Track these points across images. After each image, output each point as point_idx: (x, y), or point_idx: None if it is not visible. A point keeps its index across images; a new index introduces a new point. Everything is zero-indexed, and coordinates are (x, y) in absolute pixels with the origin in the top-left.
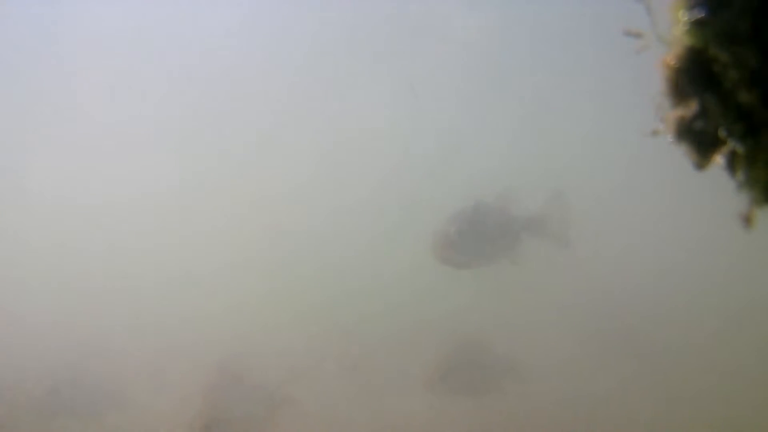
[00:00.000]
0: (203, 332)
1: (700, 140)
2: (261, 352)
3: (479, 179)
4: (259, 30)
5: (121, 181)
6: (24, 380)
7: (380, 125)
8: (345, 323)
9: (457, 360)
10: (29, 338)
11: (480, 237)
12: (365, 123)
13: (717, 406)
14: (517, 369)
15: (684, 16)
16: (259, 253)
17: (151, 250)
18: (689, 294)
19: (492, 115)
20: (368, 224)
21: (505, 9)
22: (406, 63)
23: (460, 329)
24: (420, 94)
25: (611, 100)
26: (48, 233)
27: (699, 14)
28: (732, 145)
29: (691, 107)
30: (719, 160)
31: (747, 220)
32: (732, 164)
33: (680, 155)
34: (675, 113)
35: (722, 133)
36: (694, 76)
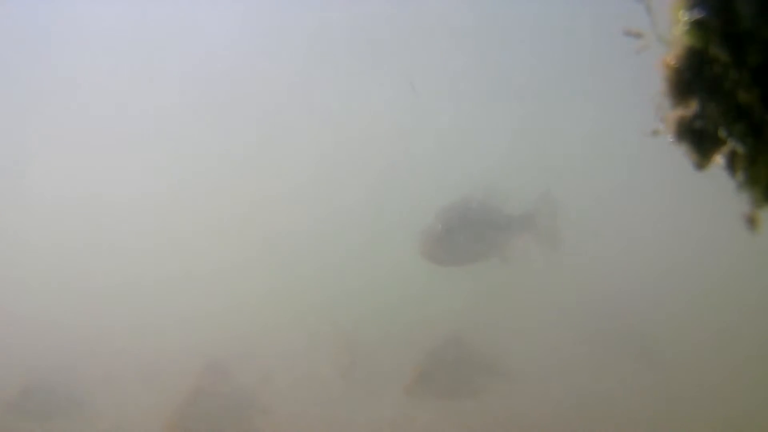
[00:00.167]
0: (185, 335)
1: (700, 140)
2: (247, 354)
3: (477, 177)
4: (257, 28)
5: (112, 180)
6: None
7: (378, 123)
8: (336, 324)
9: (445, 361)
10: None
11: (468, 234)
12: (363, 121)
13: (715, 406)
14: (508, 370)
15: (684, 16)
16: (250, 253)
17: (134, 250)
18: (688, 293)
19: (492, 114)
20: (365, 223)
21: (505, 8)
22: (405, 61)
23: (451, 329)
24: (420, 90)
25: (611, 100)
26: (30, 233)
27: (699, 14)
28: (732, 145)
29: (691, 107)
30: (719, 160)
31: (751, 222)
32: (732, 164)
33: (680, 155)
34: (675, 113)
35: (722, 133)
36: (694, 76)
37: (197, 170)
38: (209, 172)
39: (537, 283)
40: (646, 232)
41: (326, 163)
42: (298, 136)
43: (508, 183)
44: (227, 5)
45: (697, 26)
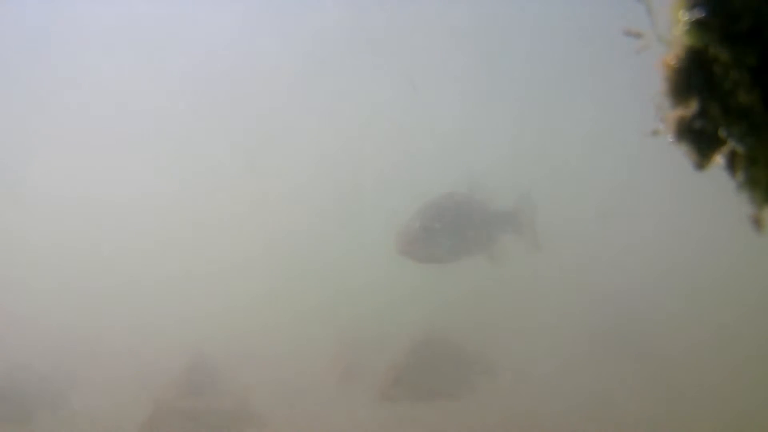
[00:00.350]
0: (171, 336)
1: (700, 140)
2: (236, 356)
3: (471, 175)
4: (257, 27)
5: (109, 180)
6: None
7: (377, 123)
8: (330, 326)
9: (426, 361)
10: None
11: (447, 231)
12: (362, 120)
13: (715, 407)
14: (497, 370)
15: (684, 16)
16: (245, 255)
17: (125, 249)
18: (687, 294)
19: (492, 114)
20: (364, 223)
21: (505, 8)
22: (404, 60)
23: (439, 328)
24: (419, 87)
25: (611, 100)
26: (25, 232)
27: (699, 14)
28: (732, 145)
29: (691, 107)
30: (719, 160)
31: (756, 222)
32: (732, 164)
33: (680, 155)
34: (675, 113)
35: (722, 133)
36: (694, 76)
37: (196, 170)
38: (209, 173)
39: (534, 282)
40: (645, 231)
41: (324, 163)
42: (297, 136)
43: (508, 183)
44: (227, 5)
45: (697, 26)
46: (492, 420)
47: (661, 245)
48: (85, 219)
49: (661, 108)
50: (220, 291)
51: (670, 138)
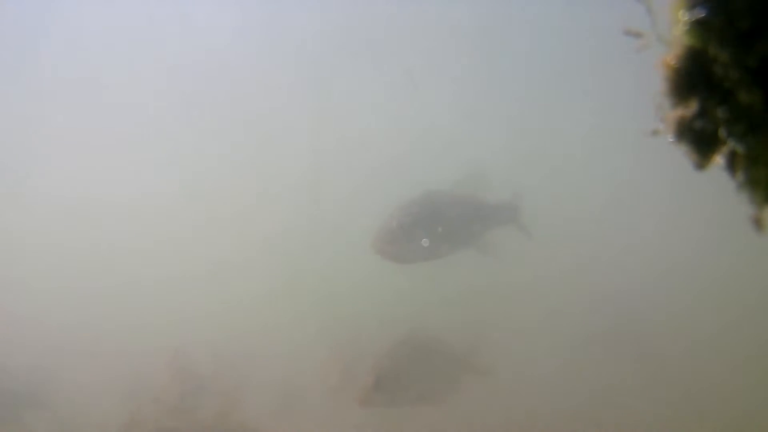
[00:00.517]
0: (157, 337)
1: (700, 140)
2: (224, 360)
3: (462, 173)
4: (256, 27)
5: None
6: None
7: (375, 122)
8: (315, 328)
9: (408, 364)
10: None
11: (425, 230)
12: (360, 120)
13: (714, 407)
14: (486, 370)
15: (684, 16)
16: (240, 256)
17: (116, 249)
18: (687, 294)
19: (491, 114)
20: (361, 223)
21: (504, 7)
22: (402, 59)
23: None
24: (418, 83)
25: (611, 100)
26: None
27: (699, 14)
28: (732, 145)
29: (691, 107)
30: (719, 160)
31: (757, 223)
32: (732, 164)
33: (680, 155)
34: (675, 113)
35: (722, 133)
36: (694, 76)
37: (193, 171)
38: (206, 173)
39: (529, 280)
40: (645, 231)
41: (322, 163)
42: (296, 135)
43: (504, 180)
44: (226, 5)
45: (697, 26)
46: (481, 422)
47: (661, 245)
48: (80, 219)
49: (661, 108)
50: (210, 292)
51: (670, 138)
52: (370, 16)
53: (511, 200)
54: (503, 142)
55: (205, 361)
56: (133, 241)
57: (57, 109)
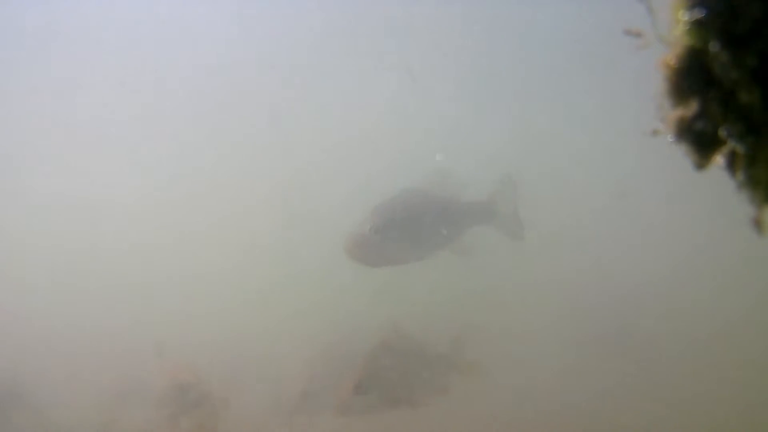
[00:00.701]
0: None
1: (700, 140)
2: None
3: (443, 171)
4: (254, 27)
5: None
6: None
7: (373, 121)
8: (304, 328)
9: (388, 366)
10: None
11: (400, 231)
12: (358, 119)
13: (714, 409)
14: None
15: (684, 16)
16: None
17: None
18: (687, 294)
19: (491, 114)
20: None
21: (504, 7)
22: (400, 58)
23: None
24: (418, 78)
25: (610, 100)
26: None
27: (699, 14)
28: (732, 145)
29: (691, 107)
30: (719, 160)
31: (758, 225)
32: (732, 164)
33: (680, 155)
34: (675, 113)
35: (722, 133)
36: (694, 76)
37: (189, 171)
38: (202, 173)
39: (518, 279)
40: (644, 231)
41: (319, 163)
42: (295, 135)
43: (501, 180)
44: (225, 5)
45: (697, 26)
46: (465, 426)
47: (662, 245)
48: (75, 218)
49: (661, 108)
50: (193, 294)
51: (670, 138)
52: (366, 14)
53: (488, 199)
54: (502, 141)
55: (189, 364)
56: (119, 241)
57: (55, 109)
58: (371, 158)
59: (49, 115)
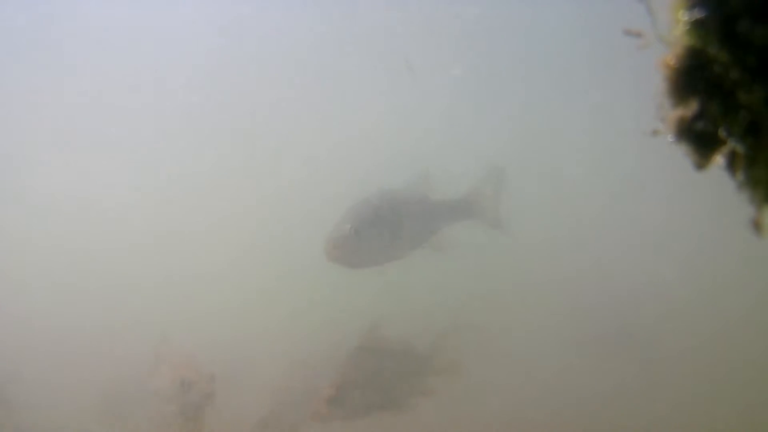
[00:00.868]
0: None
1: (700, 140)
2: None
3: (423, 170)
4: (253, 27)
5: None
6: None
7: (372, 121)
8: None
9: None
10: None
11: (380, 231)
12: (357, 120)
13: (713, 410)
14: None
15: (684, 16)
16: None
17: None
18: (686, 294)
19: (492, 114)
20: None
21: (504, 7)
22: (399, 56)
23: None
24: (417, 72)
25: (610, 100)
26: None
27: (699, 14)
28: (732, 145)
29: (691, 107)
30: (719, 160)
31: (757, 227)
32: (732, 164)
33: (681, 155)
34: (675, 113)
35: (722, 133)
36: (694, 76)
37: (186, 172)
38: (206, 173)
39: (530, 281)
40: (644, 231)
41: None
42: (294, 135)
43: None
44: (225, 5)
45: (697, 26)
46: (450, 428)
47: (662, 245)
48: (75, 218)
49: (661, 108)
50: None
51: (670, 138)
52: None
53: (465, 196)
54: (501, 141)
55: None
56: (119, 241)
57: (55, 109)
58: (371, 158)
59: (49, 115)
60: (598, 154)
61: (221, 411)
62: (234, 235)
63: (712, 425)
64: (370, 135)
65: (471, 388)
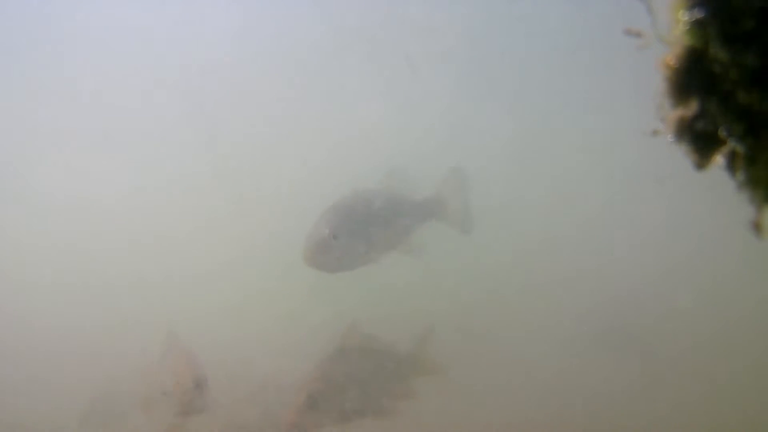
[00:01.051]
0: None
1: (700, 140)
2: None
3: (395, 170)
4: (252, 27)
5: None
6: None
7: (371, 121)
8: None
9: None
10: None
11: (357, 233)
12: (356, 120)
13: (713, 410)
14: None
15: (684, 16)
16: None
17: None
18: (686, 294)
19: (492, 114)
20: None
21: (504, 7)
22: (399, 56)
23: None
24: (417, 69)
25: (610, 100)
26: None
27: (699, 14)
28: (732, 145)
29: (691, 107)
30: (719, 160)
31: (757, 228)
32: (732, 164)
33: (681, 155)
34: (675, 113)
35: (722, 133)
36: (694, 76)
37: (184, 172)
38: (206, 173)
39: (529, 281)
40: (644, 231)
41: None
42: (293, 135)
43: (505, 185)
44: (224, 6)
45: (697, 26)
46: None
47: (663, 245)
48: (75, 218)
49: (661, 108)
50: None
51: (670, 138)
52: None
53: (434, 195)
54: (501, 141)
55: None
56: (119, 241)
57: (54, 109)
58: (370, 159)
59: (49, 115)
60: (597, 154)
61: (219, 411)
62: (234, 235)
63: (712, 425)
64: (370, 135)
65: (458, 391)
